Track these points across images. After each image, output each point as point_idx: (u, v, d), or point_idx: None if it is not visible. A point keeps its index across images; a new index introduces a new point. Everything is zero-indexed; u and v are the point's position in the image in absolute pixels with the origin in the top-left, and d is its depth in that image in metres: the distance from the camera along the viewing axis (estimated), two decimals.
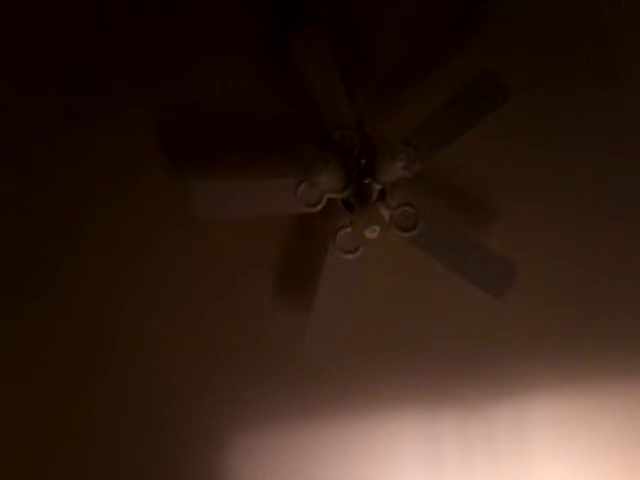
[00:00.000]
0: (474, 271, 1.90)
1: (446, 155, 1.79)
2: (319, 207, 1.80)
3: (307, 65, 1.69)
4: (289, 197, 1.80)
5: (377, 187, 1.80)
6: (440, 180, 2.03)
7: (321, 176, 1.69)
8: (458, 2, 1.83)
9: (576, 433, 2.48)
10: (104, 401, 2.33)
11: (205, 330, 2.24)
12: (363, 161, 1.79)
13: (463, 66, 1.87)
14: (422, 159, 1.74)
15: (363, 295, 2.07)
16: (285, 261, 2.14)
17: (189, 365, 2.30)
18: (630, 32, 1.88)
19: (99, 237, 2.08)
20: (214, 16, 1.82)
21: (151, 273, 2.14)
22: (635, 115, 1.99)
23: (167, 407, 2.36)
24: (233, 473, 2.49)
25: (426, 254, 1.86)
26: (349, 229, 1.83)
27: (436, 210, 2.02)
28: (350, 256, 1.85)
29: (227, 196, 1.84)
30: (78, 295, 2.16)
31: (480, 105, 1.74)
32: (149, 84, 1.88)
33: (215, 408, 2.38)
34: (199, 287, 2.17)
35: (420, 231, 1.80)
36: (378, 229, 1.72)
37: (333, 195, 1.80)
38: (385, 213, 1.82)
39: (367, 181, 1.78)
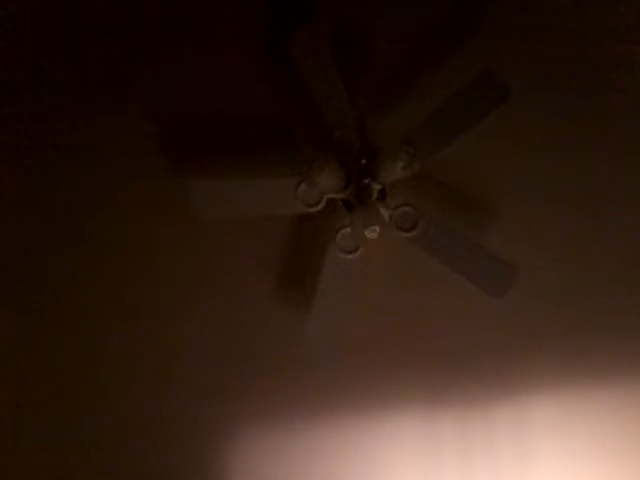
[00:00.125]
0: (474, 271, 1.90)
1: (446, 155, 1.79)
2: (319, 207, 1.81)
3: (307, 65, 1.69)
4: (289, 197, 1.80)
5: (377, 187, 1.80)
6: (440, 180, 2.03)
7: (321, 176, 1.69)
8: (458, 2, 1.83)
9: (576, 433, 2.47)
10: (104, 401, 2.34)
11: (205, 330, 2.24)
12: (363, 161, 1.79)
13: (463, 66, 1.86)
14: (422, 159, 1.74)
15: (363, 295, 2.07)
16: (285, 261, 2.14)
17: (189, 365, 2.30)
18: (630, 31, 1.88)
19: (99, 237, 2.07)
20: (214, 16, 1.82)
21: (151, 273, 2.14)
22: (636, 115, 1.99)
23: (167, 407, 2.36)
24: (233, 473, 2.49)
25: (426, 254, 1.86)
26: (349, 229, 1.83)
27: (436, 210, 2.01)
28: (350, 256, 1.85)
29: (227, 196, 1.84)
30: (78, 295, 2.16)
31: (480, 105, 1.74)
32: (149, 84, 1.88)
33: (215, 408, 2.38)
34: (199, 287, 2.17)
35: (420, 231, 1.80)
36: (378, 229, 1.72)
37: (333, 195, 1.80)
38: (385, 213, 1.81)
39: (367, 181, 1.78)
